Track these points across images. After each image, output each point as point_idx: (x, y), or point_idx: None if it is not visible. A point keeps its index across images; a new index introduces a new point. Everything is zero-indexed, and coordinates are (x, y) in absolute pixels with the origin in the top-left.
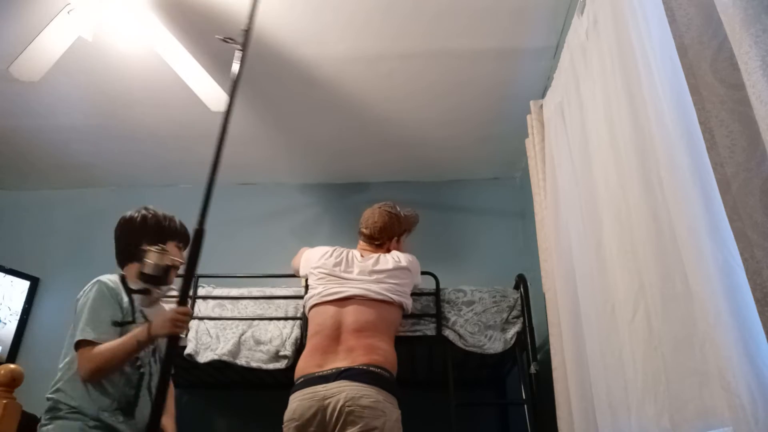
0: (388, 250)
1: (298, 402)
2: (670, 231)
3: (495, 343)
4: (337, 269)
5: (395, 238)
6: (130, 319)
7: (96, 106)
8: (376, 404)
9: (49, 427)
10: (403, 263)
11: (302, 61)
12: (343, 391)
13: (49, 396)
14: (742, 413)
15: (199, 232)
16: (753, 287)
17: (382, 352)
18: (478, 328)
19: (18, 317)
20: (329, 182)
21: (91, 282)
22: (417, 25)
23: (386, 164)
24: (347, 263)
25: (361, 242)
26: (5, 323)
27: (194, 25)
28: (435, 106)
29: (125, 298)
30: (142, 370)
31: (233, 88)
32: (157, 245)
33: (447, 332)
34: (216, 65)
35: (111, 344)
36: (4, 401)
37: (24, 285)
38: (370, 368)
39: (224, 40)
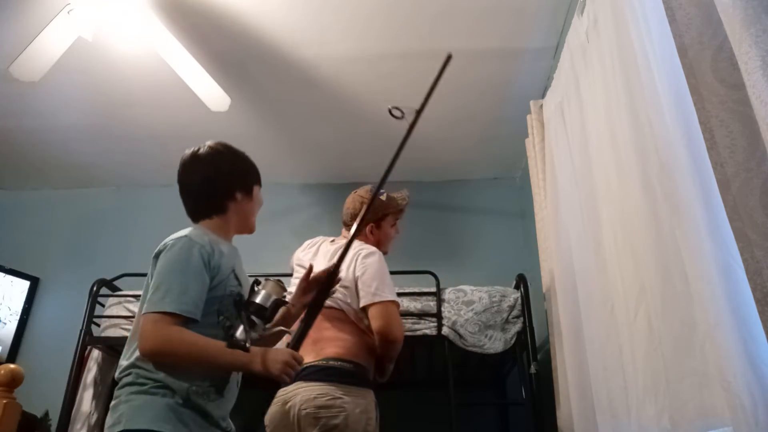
0: (368, 237)
1: (270, 408)
2: (670, 231)
3: (495, 343)
4: (305, 260)
5: (371, 224)
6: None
7: (96, 106)
8: (332, 402)
9: (134, 402)
10: (359, 253)
11: (302, 61)
12: (298, 394)
13: (127, 365)
14: (742, 413)
15: (334, 273)
16: (753, 287)
17: (342, 343)
18: (479, 327)
19: (18, 317)
20: (329, 182)
21: (182, 237)
22: (417, 25)
23: (386, 164)
24: (315, 252)
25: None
26: (5, 323)
27: (194, 25)
28: (435, 106)
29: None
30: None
31: (391, 164)
32: (248, 194)
33: (447, 332)
34: (216, 65)
35: (200, 341)
36: (4, 401)
37: (24, 285)
38: (330, 362)
39: (392, 113)
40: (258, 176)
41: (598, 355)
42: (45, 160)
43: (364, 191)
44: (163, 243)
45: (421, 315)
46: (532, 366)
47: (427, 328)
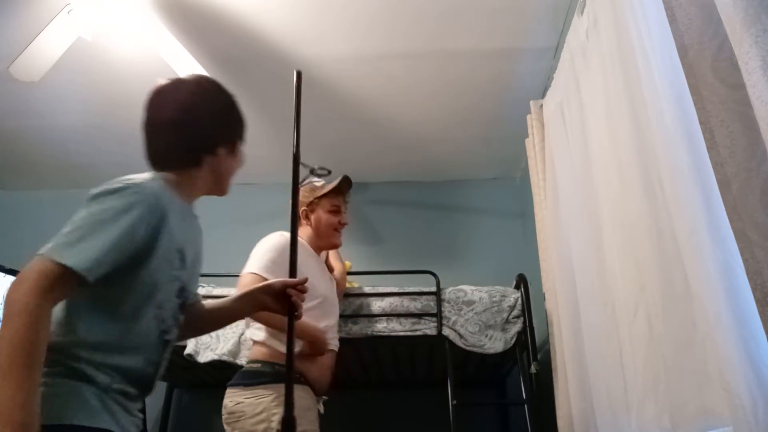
0: (304, 223)
1: None
2: (670, 231)
3: (495, 343)
4: None
5: (305, 209)
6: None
7: (96, 107)
8: (234, 408)
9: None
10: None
11: (302, 61)
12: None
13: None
14: (742, 413)
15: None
16: (753, 287)
17: (254, 344)
18: (479, 327)
19: None
20: None
21: (133, 184)
22: (417, 25)
23: (386, 164)
24: None
25: None
26: None
27: (194, 25)
28: (435, 106)
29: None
30: (167, 337)
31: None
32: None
33: (447, 331)
34: (216, 65)
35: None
36: None
37: None
38: (245, 366)
39: (315, 173)
40: (244, 131)
41: (598, 355)
42: (45, 160)
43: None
44: (108, 183)
45: (421, 315)
46: (532, 366)
47: (427, 328)
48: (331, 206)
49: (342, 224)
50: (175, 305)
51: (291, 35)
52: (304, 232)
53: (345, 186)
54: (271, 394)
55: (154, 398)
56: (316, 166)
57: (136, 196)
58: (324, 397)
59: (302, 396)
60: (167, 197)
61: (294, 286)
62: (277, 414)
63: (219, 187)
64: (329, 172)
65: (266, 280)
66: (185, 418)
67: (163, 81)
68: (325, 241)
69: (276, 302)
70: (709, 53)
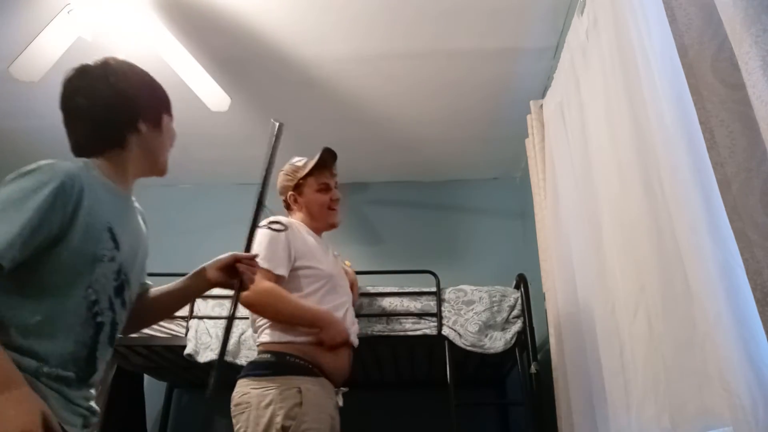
0: (294, 208)
1: None
2: (670, 231)
3: (495, 343)
4: None
5: (293, 194)
6: None
7: None
8: (241, 399)
9: None
10: None
11: (303, 61)
12: None
13: None
14: (742, 413)
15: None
16: (753, 287)
17: (263, 336)
18: (479, 327)
19: None
20: None
21: (46, 164)
22: (417, 25)
23: (386, 164)
24: None
25: None
26: None
27: (195, 25)
28: (435, 106)
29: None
30: (100, 319)
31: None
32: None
33: (447, 331)
34: (216, 65)
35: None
36: None
37: None
38: (255, 357)
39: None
40: (167, 103)
41: (598, 355)
42: (45, 160)
43: (286, 166)
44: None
45: (421, 315)
46: (532, 366)
47: (427, 327)
48: (318, 185)
49: (334, 200)
50: (110, 287)
51: (291, 35)
52: (297, 217)
53: (328, 158)
54: (278, 387)
55: (154, 398)
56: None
57: (46, 175)
58: (343, 388)
59: (314, 390)
60: (86, 175)
61: (244, 260)
62: (283, 409)
63: (154, 166)
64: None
65: (280, 277)
66: (185, 418)
67: (69, 71)
68: (321, 223)
69: (226, 276)
70: (709, 53)
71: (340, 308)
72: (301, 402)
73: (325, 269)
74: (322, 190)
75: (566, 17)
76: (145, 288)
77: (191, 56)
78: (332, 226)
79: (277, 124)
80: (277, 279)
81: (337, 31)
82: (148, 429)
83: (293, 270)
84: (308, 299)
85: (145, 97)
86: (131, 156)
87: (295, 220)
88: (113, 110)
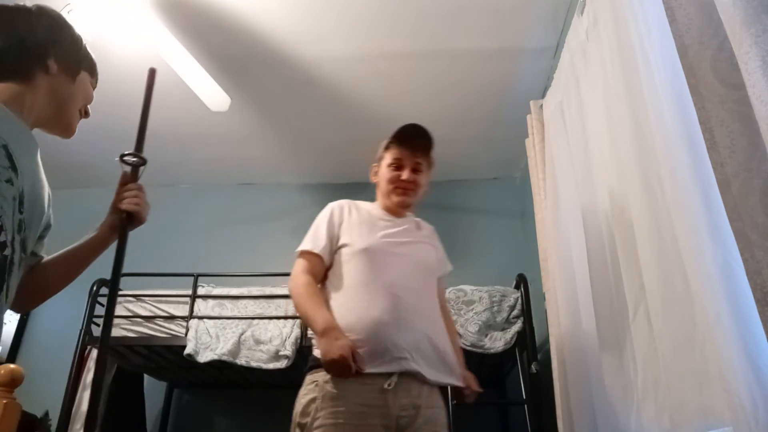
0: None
1: None
2: (670, 231)
3: (495, 343)
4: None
5: (372, 168)
6: None
7: (96, 106)
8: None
9: None
10: None
11: (303, 61)
12: None
13: None
14: (742, 413)
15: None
16: (753, 287)
17: None
18: (479, 327)
19: (18, 317)
20: (329, 182)
21: None
22: (417, 25)
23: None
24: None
25: None
26: (5, 323)
27: (195, 25)
28: (435, 105)
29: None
30: (5, 252)
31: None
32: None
33: None
34: (216, 65)
35: None
36: (4, 401)
37: None
38: None
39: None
40: (91, 64)
41: (598, 355)
42: (45, 160)
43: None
44: None
45: None
46: (532, 366)
47: None
48: (391, 159)
49: (403, 181)
50: (13, 212)
51: (291, 35)
52: (377, 190)
53: (405, 135)
54: (305, 384)
55: (154, 398)
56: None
57: None
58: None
59: (335, 382)
60: None
61: (121, 192)
62: (301, 405)
63: (58, 119)
64: (141, 161)
65: (316, 256)
66: (185, 418)
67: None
68: (386, 200)
69: (117, 216)
70: (709, 53)
71: (379, 292)
72: (315, 397)
73: (359, 243)
74: (392, 165)
75: (566, 17)
76: (37, 259)
77: (191, 56)
78: (397, 207)
79: (150, 69)
80: (314, 257)
81: (338, 32)
82: (148, 429)
83: (337, 250)
84: (347, 281)
85: (66, 42)
86: (36, 96)
87: (364, 202)
88: (27, 39)
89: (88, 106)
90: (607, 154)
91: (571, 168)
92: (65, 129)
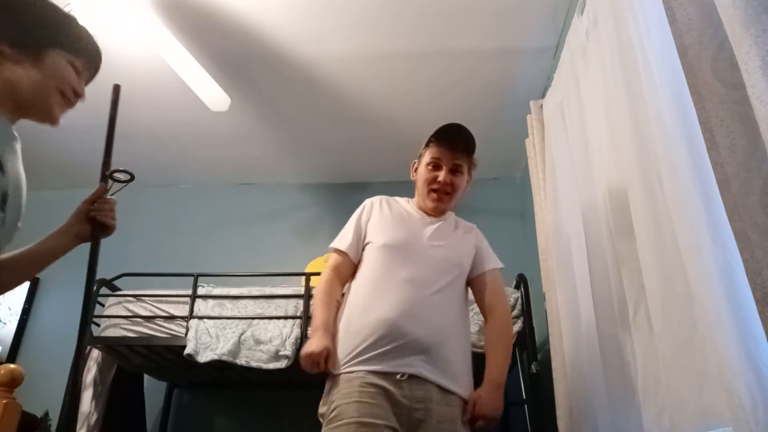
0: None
1: None
2: (670, 231)
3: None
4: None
5: (412, 165)
6: None
7: (96, 107)
8: None
9: None
10: None
11: (303, 61)
12: None
13: None
14: (742, 413)
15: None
16: (753, 287)
17: None
18: (479, 327)
19: (18, 317)
20: (329, 182)
21: None
22: (417, 25)
23: (386, 164)
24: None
25: None
26: (5, 323)
27: (195, 25)
28: (435, 105)
29: None
30: None
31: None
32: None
33: None
34: (216, 65)
35: None
36: (4, 401)
37: (24, 285)
38: None
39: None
40: (69, 41)
41: (598, 355)
42: (44, 160)
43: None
44: None
45: None
46: (532, 366)
47: None
48: (430, 158)
49: (439, 182)
50: None
51: (291, 35)
52: (415, 188)
53: (446, 134)
54: (332, 377)
55: (154, 398)
56: (118, 169)
57: None
58: (403, 371)
59: (345, 377)
60: None
61: (93, 202)
62: (338, 395)
63: (32, 107)
64: (131, 177)
65: (342, 253)
66: (185, 418)
67: None
68: (422, 201)
69: (88, 226)
70: (709, 53)
71: (391, 289)
72: (331, 387)
73: (381, 240)
74: (430, 165)
75: (566, 17)
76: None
77: (191, 56)
78: (430, 208)
79: (114, 85)
80: (341, 254)
81: (338, 31)
82: (148, 429)
83: (364, 247)
84: (364, 278)
85: (21, 22)
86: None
87: (403, 198)
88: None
89: (77, 89)
90: (607, 154)
91: (571, 168)
92: (43, 116)
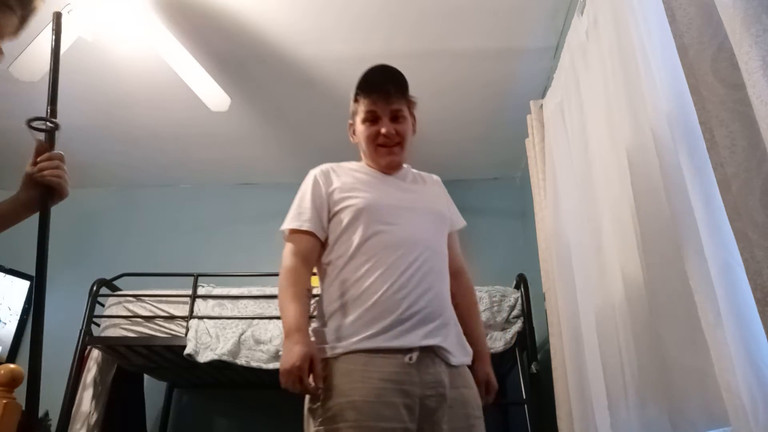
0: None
1: None
2: (670, 231)
3: (495, 343)
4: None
5: (349, 127)
6: None
7: (96, 107)
8: None
9: None
10: None
11: (303, 61)
12: None
13: None
14: (742, 413)
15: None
16: (753, 287)
17: None
18: None
19: (18, 317)
20: None
21: None
22: (417, 25)
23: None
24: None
25: None
26: (5, 323)
27: (195, 25)
28: (435, 106)
29: None
30: None
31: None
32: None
33: None
34: (216, 65)
35: None
36: (4, 401)
37: (24, 285)
38: None
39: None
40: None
41: (598, 355)
42: None
43: None
44: None
45: None
46: (532, 366)
47: None
48: (364, 113)
49: (383, 135)
50: None
51: (291, 35)
52: (360, 152)
53: (371, 83)
54: (327, 363)
55: (154, 398)
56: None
57: None
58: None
59: (343, 358)
60: None
61: (37, 161)
62: (334, 391)
63: None
64: (53, 126)
65: (300, 231)
66: (185, 418)
67: None
68: (371, 160)
69: (34, 191)
70: (709, 53)
71: (383, 254)
72: (325, 376)
73: (356, 204)
74: (366, 120)
75: (566, 17)
76: None
77: (191, 56)
78: (386, 167)
79: (55, 13)
80: (301, 235)
81: (338, 31)
82: (148, 429)
83: (330, 220)
84: (346, 251)
85: None
86: None
87: (350, 162)
88: None
89: None
90: (607, 154)
91: (571, 168)
92: None
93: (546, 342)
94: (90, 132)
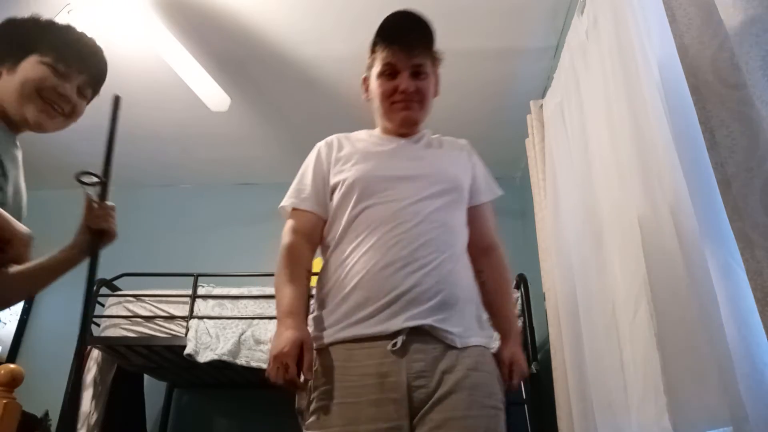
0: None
1: None
2: (670, 231)
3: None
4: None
5: (362, 83)
6: None
7: (96, 106)
8: None
9: None
10: None
11: (302, 61)
12: None
13: None
14: (742, 413)
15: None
16: (753, 287)
17: None
18: None
19: (18, 317)
20: None
21: None
22: None
23: None
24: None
25: None
26: (5, 323)
27: (195, 25)
28: (435, 105)
29: None
30: None
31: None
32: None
33: None
34: (216, 65)
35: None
36: (4, 401)
37: None
38: None
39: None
40: (46, 42)
41: (598, 355)
42: (45, 160)
43: None
44: None
45: None
46: (532, 366)
47: None
48: (382, 66)
49: (401, 92)
50: None
51: (291, 35)
52: (374, 112)
53: (393, 30)
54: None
55: (154, 398)
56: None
57: None
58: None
59: (324, 352)
60: None
61: (95, 211)
62: (316, 393)
63: (13, 117)
64: (102, 181)
65: (298, 211)
66: (185, 418)
67: None
68: (386, 121)
69: (87, 236)
70: (709, 53)
71: (372, 231)
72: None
73: (348, 179)
74: (384, 74)
75: (566, 17)
76: None
77: (191, 56)
78: (402, 126)
79: (114, 96)
80: (299, 213)
81: (338, 31)
82: (148, 429)
83: (331, 195)
84: (339, 229)
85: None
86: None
87: (363, 131)
88: None
89: (58, 89)
90: (607, 154)
91: (571, 168)
92: (26, 122)
93: (546, 342)
94: (90, 132)
